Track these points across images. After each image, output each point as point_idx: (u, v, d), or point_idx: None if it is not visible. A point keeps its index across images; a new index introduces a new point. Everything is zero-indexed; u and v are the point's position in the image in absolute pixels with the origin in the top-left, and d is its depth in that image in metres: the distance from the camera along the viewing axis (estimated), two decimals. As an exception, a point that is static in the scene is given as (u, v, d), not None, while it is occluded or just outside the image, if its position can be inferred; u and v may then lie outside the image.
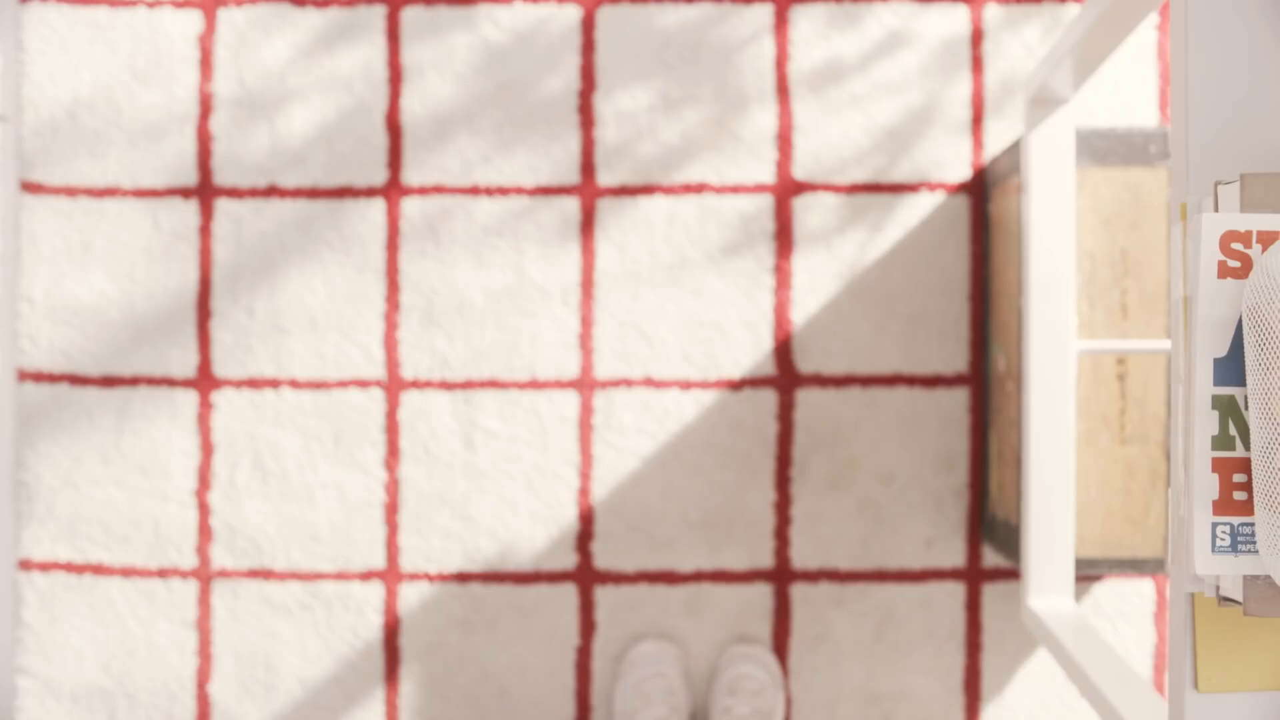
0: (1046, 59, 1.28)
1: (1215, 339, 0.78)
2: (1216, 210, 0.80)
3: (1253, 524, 0.78)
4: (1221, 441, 0.78)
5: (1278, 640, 0.82)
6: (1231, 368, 0.78)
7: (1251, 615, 0.78)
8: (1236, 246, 0.78)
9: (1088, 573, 1.45)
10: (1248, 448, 0.78)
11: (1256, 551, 0.78)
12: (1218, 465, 0.78)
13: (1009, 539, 1.50)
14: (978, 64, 1.65)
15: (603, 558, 1.65)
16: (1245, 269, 0.78)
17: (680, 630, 1.65)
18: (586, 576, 1.65)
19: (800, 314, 1.65)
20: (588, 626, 1.65)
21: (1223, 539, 0.78)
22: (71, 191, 1.67)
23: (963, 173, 1.65)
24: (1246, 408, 0.78)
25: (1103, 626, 1.63)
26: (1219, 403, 0.78)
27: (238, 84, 1.67)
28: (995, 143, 1.65)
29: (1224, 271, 0.78)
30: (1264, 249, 0.77)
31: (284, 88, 1.67)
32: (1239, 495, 0.78)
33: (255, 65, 1.67)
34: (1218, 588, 0.80)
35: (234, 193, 1.66)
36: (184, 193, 1.67)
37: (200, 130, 1.67)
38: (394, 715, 1.65)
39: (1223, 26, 0.83)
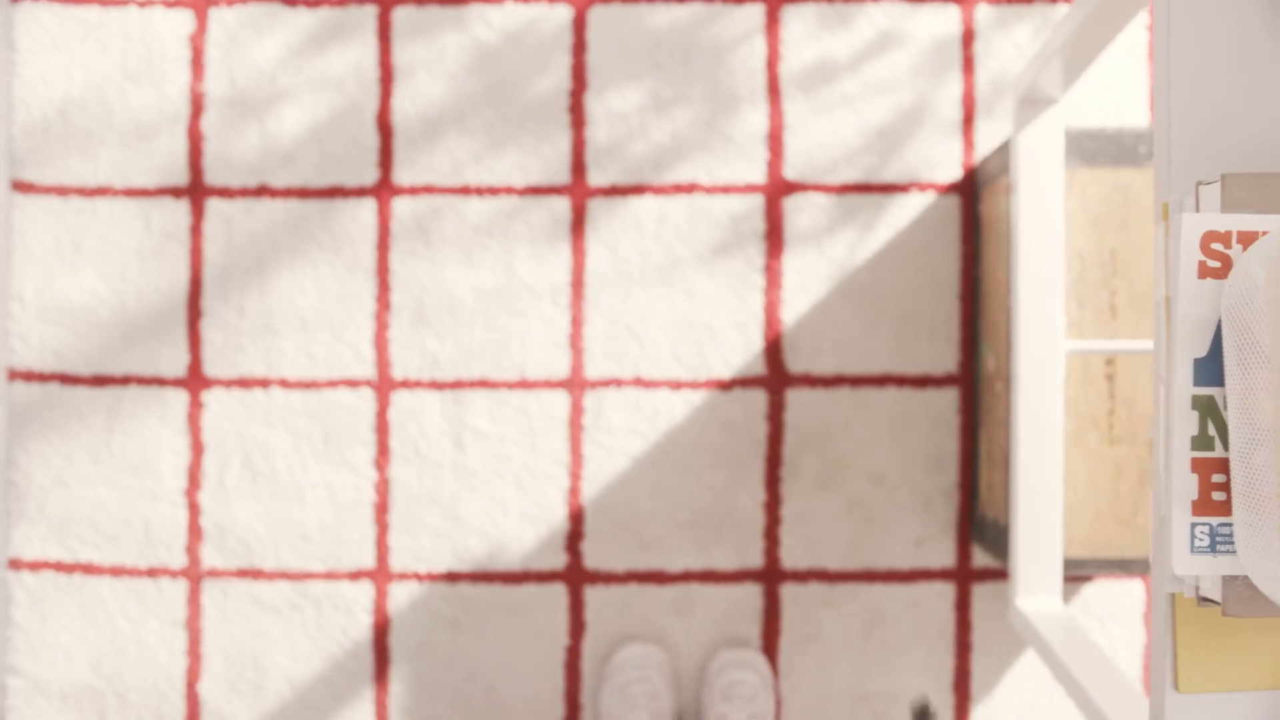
0: (1035, 58, 1.28)
1: (1195, 339, 0.78)
2: (1198, 210, 0.80)
3: (1231, 524, 0.78)
4: (1201, 442, 0.78)
5: (1257, 641, 0.82)
6: (1211, 368, 0.78)
7: (1230, 616, 0.78)
8: (1217, 247, 0.78)
9: (1076, 573, 1.45)
10: (1227, 448, 0.78)
11: (1235, 552, 0.78)
12: (1197, 465, 0.78)
13: (998, 539, 1.50)
14: (969, 64, 1.65)
15: (592, 558, 1.65)
16: (1225, 269, 0.78)
17: (669, 630, 1.65)
18: (576, 576, 1.65)
19: (790, 314, 1.65)
20: (577, 626, 1.65)
21: (1201, 539, 0.78)
22: (63, 191, 1.67)
23: (953, 173, 1.65)
24: (1226, 408, 0.78)
25: (1092, 627, 1.63)
26: (1198, 403, 0.78)
27: (229, 84, 1.67)
28: (986, 143, 1.65)
29: (1204, 271, 0.78)
30: (1244, 249, 0.77)
31: (275, 87, 1.67)
32: (1218, 495, 0.78)
33: (246, 65, 1.67)
34: (1197, 588, 0.80)
35: (225, 192, 1.66)
36: (175, 192, 1.67)
37: (191, 130, 1.67)
38: (383, 715, 1.65)
39: (1206, 27, 0.83)
